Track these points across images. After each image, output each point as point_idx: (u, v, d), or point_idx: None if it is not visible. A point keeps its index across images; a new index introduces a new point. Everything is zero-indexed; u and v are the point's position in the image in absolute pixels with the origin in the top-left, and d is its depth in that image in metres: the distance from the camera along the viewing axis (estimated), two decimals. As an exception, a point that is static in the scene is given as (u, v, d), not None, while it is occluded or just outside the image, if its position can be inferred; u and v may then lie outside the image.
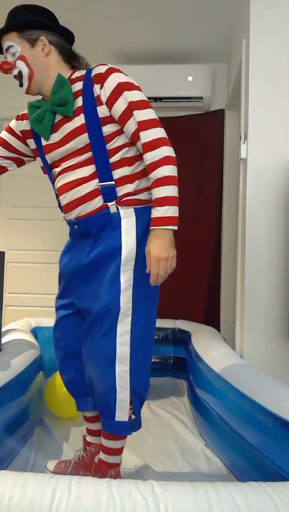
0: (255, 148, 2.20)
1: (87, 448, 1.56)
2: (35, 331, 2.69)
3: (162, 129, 1.32)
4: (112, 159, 1.33)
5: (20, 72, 1.37)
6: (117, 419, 1.33)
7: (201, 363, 2.03)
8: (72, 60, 1.42)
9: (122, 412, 1.33)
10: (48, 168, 1.46)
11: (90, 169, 1.33)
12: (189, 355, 2.47)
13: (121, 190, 1.33)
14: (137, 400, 1.37)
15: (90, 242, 1.36)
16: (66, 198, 1.38)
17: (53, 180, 1.46)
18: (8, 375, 1.57)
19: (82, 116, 1.32)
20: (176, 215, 1.27)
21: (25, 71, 1.36)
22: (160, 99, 3.07)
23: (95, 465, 1.44)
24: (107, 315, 1.30)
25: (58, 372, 2.16)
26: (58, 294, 1.52)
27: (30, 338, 2.22)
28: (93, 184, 1.33)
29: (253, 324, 2.16)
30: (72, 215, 1.39)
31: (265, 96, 2.20)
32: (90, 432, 1.57)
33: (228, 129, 3.16)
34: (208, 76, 3.07)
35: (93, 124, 1.31)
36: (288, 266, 2.16)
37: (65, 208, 1.40)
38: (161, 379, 2.83)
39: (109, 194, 1.32)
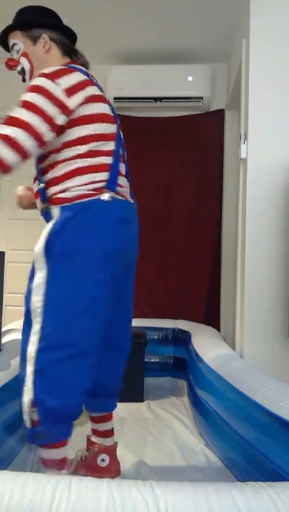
0: (255, 148, 2.20)
1: (91, 448, 1.55)
2: (35, 331, 2.69)
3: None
4: (41, 165, 1.35)
5: (22, 68, 1.43)
6: (24, 422, 1.23)
7: (201, 363, 2.03)
8: (72, 55, 1.46)
9: (25, 417, 1.22)
10: None
11: (35, 172, 1.39)
12: (189, 355, 2.47)
13: (49, 191, 1.34)
14: (40, 408, 1.19)
15: None
16: None
17: None
18: (8, 375, 1.57)
19: None
20: None
21: (27, 66, 1.42)
22: (160, 99, 3.07)
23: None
24: (26, 312, 1.29)
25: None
26: None
27: (30, 338, 2.22)
28: (36, 186, 1.39)
29: (253, 324, 2.16)
30: None
31: (265, 96, 2.20)
32: (95, 432, 1.55)
33: (228, 129, 3.16)
34: (208, 76, 3.07)
35: None
36: (288, 266, 2.16)
37: None
38: (161, 379, 2.83)
39: (43, 195, 1.36)
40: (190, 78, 3.04)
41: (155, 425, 2.08)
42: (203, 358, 2.02)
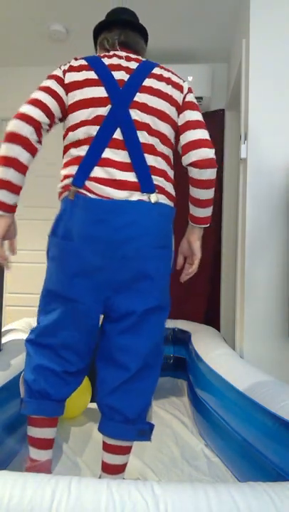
0: (255, 148, 2.20)
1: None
2: (35, 331, 2.69)
3: None
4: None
5: None
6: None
7: (201, 363, 2.03)
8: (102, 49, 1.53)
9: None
10: None
11: None
12: (189, 355, 2.47)
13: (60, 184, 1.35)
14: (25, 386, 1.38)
15: None
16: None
17: None
18: (8, 375, 1.57)
19: None
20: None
21: None
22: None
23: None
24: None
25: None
26: None
27: (30, 338, 2.22)
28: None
29: (253, 324, 2.16)
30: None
31: (265, 96, 2.20)
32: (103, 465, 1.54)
33: (228, 129, 3.15)
34: (208, 76, 3.07)
35: None
36: (288, 266, 2.16)
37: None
38: (161, 379, 2.82)
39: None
40: (190, 78, 3.04)
41: (155, 425, 2.08)
42: (203, 358, 2.02)
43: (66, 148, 1.35)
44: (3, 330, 2.24)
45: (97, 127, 1.28)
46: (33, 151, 1.30)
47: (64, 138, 1.37)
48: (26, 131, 1.26)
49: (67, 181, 1.28)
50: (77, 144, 1.30)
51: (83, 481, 0.90)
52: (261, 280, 2.17)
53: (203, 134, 1.34)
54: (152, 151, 1.30)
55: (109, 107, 1.29)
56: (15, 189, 1.28)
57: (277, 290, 2.16)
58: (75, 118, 1.31)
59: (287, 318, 2.12)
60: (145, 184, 1.26)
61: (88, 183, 1.24)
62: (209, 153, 1.32)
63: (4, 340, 2.07)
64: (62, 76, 1.36)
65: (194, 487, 0.89)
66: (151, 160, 1.29)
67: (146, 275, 1.29)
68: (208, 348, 2.12)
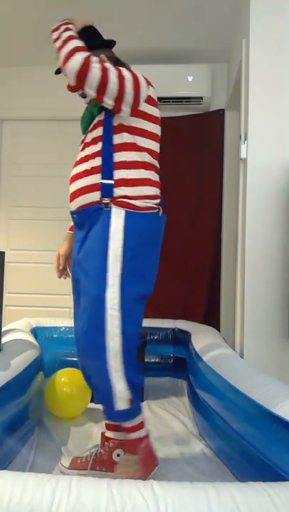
0: (255, 148, 2.20)
1: (106, 443, 1.58)
2: (35, 331, 2.69)
3: None
4: (116, 158, 1.42)
5: (82, 93, 1.51)
6: (118, 407, 1.45)
7: (201, 363, 2.02)
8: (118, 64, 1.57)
9: (121, 401, 1.45)
10: None
11: (96, 162, 1.44)
12: (189, 355, 2.47)
13: (118, 191, 1.41)
14: (132, 386, 1.45)
15: (83, 234, 1.48)
16: (70, 188, 1.52)
17: None
18: (8, 375, 1.57)
19: (103, 113, 1.48)
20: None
21: None
22: (160, 99, 3.06)
23: (128, 443, 1.49)
24: (94, 307, 1.37)
25: (57, 373, 2.16)
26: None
27: (30, 338, 2.22)
28: (96, 178, 1.44)
29: (253, 324, 2.16)
30: (73, 205, 1.52)
31: (265, 96, 2.20)
32: (110, 427, 1.60)
33: (228, 129, 3.15)
34: (208, 76, 3.07)
35: (108, 119, 1.46)
36: (288, 266, 2.16)
37: (70, 198, 1.53)
38: (161, 379, 2.83)
39: (107, 191, 1.41)
40: (190, 78, 3.04)
41: (155, 425, 2.08)
42: (203, 358, 2.02)
43: (147, 166, 1.47)
44: (3, 330, 2.24)
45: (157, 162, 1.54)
46: None
47: (130, 144, 1.45)
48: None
49: (158, 201, 1.50)
50: (155, 170, 1.51)
51: (83, 481, 0.91)
52: (261, 280, 2.17)
53: None
54: None
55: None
56: None
57: (277, 290, 2.16)
58: (150, 144, 1.49)
59: (287, 318, 2.12)
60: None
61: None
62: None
63: (4, 340, 2.08)
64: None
65: (194, 487, 0.89)
66: None
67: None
68: (208, 348, 2.12)
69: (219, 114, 3.19)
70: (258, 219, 2.18)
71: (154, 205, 1.46)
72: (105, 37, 1.68)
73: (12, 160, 3.44)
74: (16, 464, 1.60)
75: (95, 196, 1.42)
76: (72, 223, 1.71)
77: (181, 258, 3.16)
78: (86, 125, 1.56)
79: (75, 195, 1.48)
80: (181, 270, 3.16)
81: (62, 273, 1.70)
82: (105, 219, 1.39)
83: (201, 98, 3.08)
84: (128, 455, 1.47)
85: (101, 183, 1.41)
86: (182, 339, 2.81)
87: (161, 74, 3.03)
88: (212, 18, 2.68)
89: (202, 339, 2.36)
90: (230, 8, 2.56)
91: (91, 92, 1.37)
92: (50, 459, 1.68)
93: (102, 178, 1.42)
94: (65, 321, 2.85)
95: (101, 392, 1.41)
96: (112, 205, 1.39)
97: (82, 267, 1.44)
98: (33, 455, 1.71)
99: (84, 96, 1.57)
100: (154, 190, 1.46)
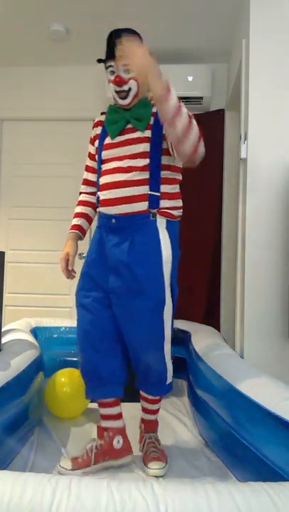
0: (255, 148, 2.20)
1: (105, 434, 1.64)
2: (35, 331, 2.69)
3: None
4: (162, 174, 1.57)
5: (130, 89, 1.57)
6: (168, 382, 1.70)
7: (201, 363, 2.02)
8: None
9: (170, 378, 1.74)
10: (99, 165, 1.66)
11: (143, 175, 1.55)
12: (189, 355, 2.47)
13: (163, 203, 1.57)
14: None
15: (122, 239, 1.56)
16: (111, 193, 1.57)
17: (99, 175, 1.66)
18: (8, 375, 1.57)
19: (149, 131, 1.57)
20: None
21: (134, 91, 1.58)
22: (160, 99, 3.06)
23: (147, 425, 1.80)
24: (157, 306, 1.56)
25: (57, 373, 2.16)
26: (83, 286, 1.66)
27: (30, 338, 2.22)
28: (143, 189, 1.54)
29: (253, 324, 2.16)
30: (114, 210, 1.57)
31: (265, 96, 2.20)
32: (108, 417, 1.65)
33: (228, 129, 3.16)
34: (208, 76, 3.07)
35: (156, 139, 1.56)
36: (288, 266, 2.16)
37: (106, 202, 1.59)
38: (161, 379, 2.82)
39: (153, 202, 1.55)
40: (190, 78, 3.04)
41: (155, 425, 2.08)
42: (203, 358, 2.02)
43: (179, 182, 1.66)
44: (3, 330, 2.24)
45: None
46: None
47: (172, 168, 1.62)
48: None
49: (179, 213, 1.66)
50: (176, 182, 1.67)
51: (83, 481, 0.91)
52: (261, 280, 2.17)
53: None
54: None
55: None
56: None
57: (277, 290, 2.16)
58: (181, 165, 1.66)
59: (287, 318, 2.12)
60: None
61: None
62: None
63: (4, 340, 2.08)
64: None
65: (194, 487, 0.90)
66: None
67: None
68: (208, 348, 2.12)
69: (219, 114, 3.19)
70: (258, 219, 2.18)
71: (180, 214, 1.67)
72: (105, 37, 1.67)
73: (12, 160, 3.44)
74: (16, 464, 1.60)
75: (143, 206, 1.54)
76: (73, 223, 1.78)
77: (181, 257, 3.15)
78: (119, 130, 1.60)
79: (119, 202, 1.55)
80: (180, 270, 3.15)
81: (71, 273, 1.71)
82: (153, 227, 1.55)
83: (201, 98, 3.08)
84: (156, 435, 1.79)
85: (149, 194, 1.54)
86: (182, 339, 2.80)
87: (162, 74, 3.02)
88: (212, 18, 2.68)
89: (202, 339, 2.36)
90: (230, 8, 2.56)
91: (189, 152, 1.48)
92: (50, 459, 1.68)
93: (150, 190, 1.54)
94: (65, 321, 2.85)
95: (154, 375, 1.65)
96: (158, 215, 1.56)
97: (133, 272, 1.53)
98: (33, 455, 1.71)
99: (125, 97, 1.58)
100: (181, 202, 1.66)
